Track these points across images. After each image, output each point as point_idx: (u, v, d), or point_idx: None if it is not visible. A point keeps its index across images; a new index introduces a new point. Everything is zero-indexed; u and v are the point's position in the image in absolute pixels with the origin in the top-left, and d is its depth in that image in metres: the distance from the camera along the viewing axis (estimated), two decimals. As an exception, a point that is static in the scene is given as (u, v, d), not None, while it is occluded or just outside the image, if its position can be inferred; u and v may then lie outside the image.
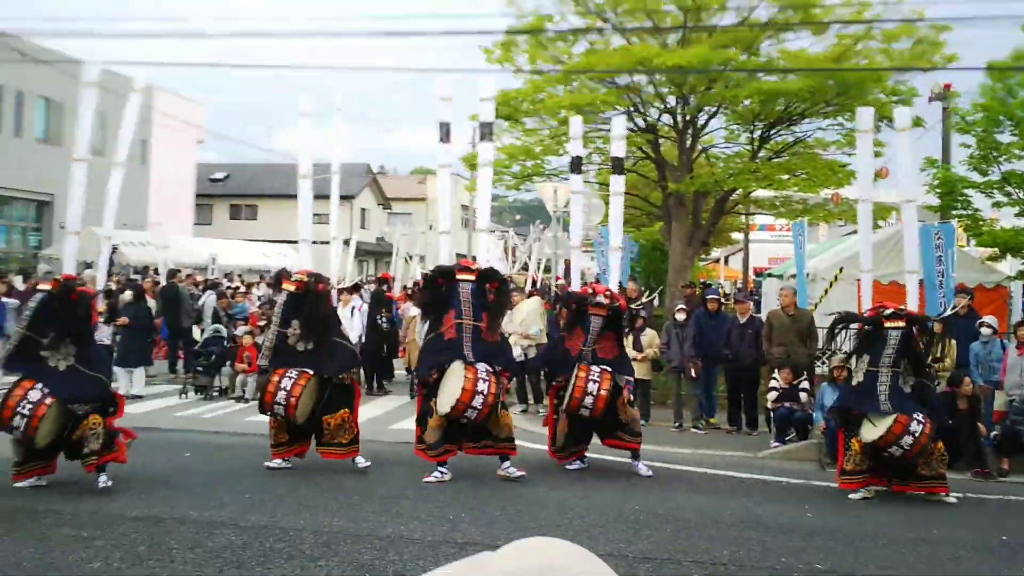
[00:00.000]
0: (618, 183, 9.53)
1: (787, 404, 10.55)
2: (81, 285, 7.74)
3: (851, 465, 8.01)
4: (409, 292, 15.32)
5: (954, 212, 15.56)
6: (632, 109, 16.51)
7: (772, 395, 10.78)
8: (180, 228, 30.52)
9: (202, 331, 14.33)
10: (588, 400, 8.26)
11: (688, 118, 16.80)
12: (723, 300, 13.28)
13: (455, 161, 9.62)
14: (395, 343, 14.54)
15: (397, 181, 49.59)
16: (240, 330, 13.83)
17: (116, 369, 13.02)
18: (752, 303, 13.69)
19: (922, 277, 8.94)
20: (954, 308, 10.35)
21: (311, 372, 8.14)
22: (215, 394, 13.44)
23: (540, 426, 10.72)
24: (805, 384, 10.72)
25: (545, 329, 12.15)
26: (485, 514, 6.92)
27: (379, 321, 14.13)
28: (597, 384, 8.26)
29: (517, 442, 8.37)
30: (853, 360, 8.41)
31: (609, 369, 8.42)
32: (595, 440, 8.94)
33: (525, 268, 20.14)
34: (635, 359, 10.64)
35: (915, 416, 7.76)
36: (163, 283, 16.13)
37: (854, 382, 8.24)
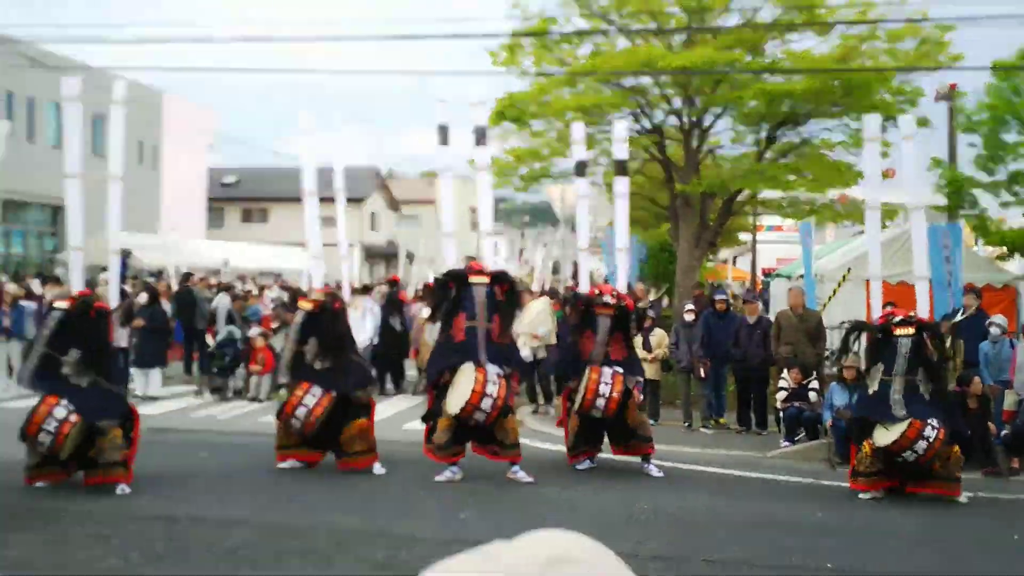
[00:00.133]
0: (622, 185, 9.55)
1: (796, 404, 10.51)
2: (97, 300, 7.79)
3: (863, 467, 7.95)
4: (420, 294, 15.37)
5: (961, 212, 15.51)
6: (638, 111, 16.51)
7: (781, 395, 10.74)
8: (193, 231, 30.64)
9: (214, 334, 14.41)
10: (600, 402, 8.24)
11: (694, 119, 16.78)
12: (731, 301, 13.26)
13: (458, 164, 9.63)
14: (407, 344, 14.61)
15: (406, 184, 49.63)
16: (253, 331, 13.91)
17: (132, 370, 13.12)
18: (760, 304, 13.68)
19: (931, 279, 8.89)
20: (963, 311, 10.28)
21: (333, 392, 8.18)
22: (230, 395, 13.51)
23: (550, 426, 10.74)
24: (814, 384, 10.68)
25: (554, 329, 12.18)
26: (496, 513, 6.93)
27: (392, 323, 14.24)
28: (609, 386, 8.25)
29: (527, 442, 8.38)
30: (864, 366, 8.35)
31: (621, 371, 8.41)
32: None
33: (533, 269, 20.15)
34: (645, 359, 10.63)
35: (929, 421, 7.67)
36: (176, 286, 16.22)
37: (870, 391, 8.17)
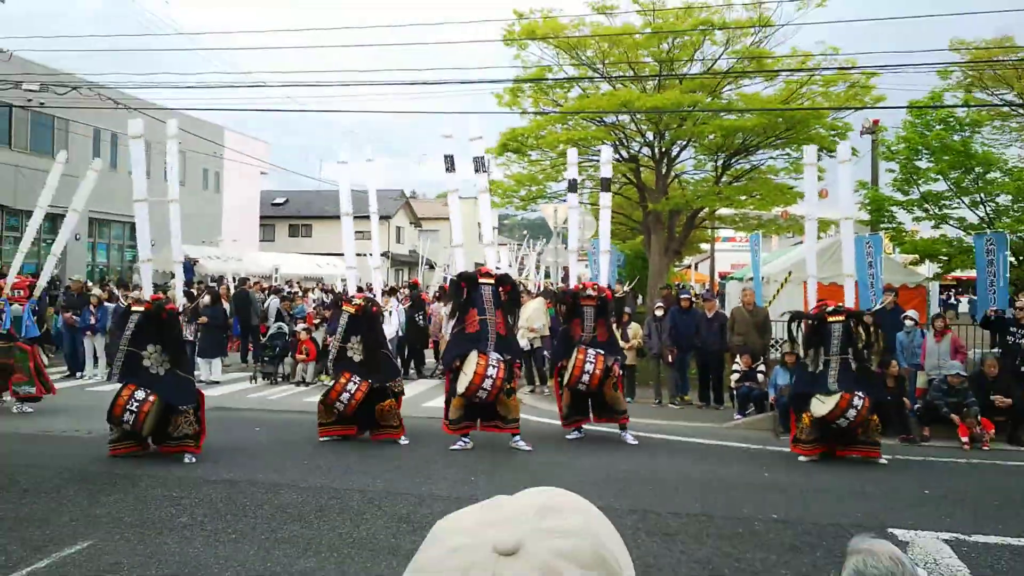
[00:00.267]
0: (606, 199, 9.64)
1: (747, 383, 10.52)
2: (168, 303, 7.80)
3: (803, 435, 7.97)
4: (438, 295, 15.39)
5: (882, 226, 15.54)
6: (617, 143, 16.56)
7: (735, 376, 10.75)
8: (248, 244, 30.61)
9: (266, 329, 14.40)
10: (585, 377, 8.35)
11: (663, 150, 16.84)
12: (693, 299, 13.24)
13: (463, 187, 9.67)
14: (427, 337, 14.66)
15: (426, 204, 49.54)
16: (299, 327, 13.93)
17: (197, 359, 13.11)
18: (717, 301, 13.69)
19: (857, 279, 8.90)
20: (883, 304, 10.30)
21: (370, 381, 8.30)
22: (279, 380, 13.50)
23: (546, 403, 10.74)
24: (762, 367, 10.70)
25: (548, 323, 12.23)
26: (500, 475, 6.94)
27: (416, 319, 14.28)
28: (593, 364, 8.34)
29: (527, 416, 8.37)
30: (802, 350, 8.34)
31: (602, 352, 8.49)
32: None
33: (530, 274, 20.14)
34: (623, 348, 10.63)
35: (857, 393, 7.73)
36: (234, 289, 16.22)
37: (809, 369, 8.16)
